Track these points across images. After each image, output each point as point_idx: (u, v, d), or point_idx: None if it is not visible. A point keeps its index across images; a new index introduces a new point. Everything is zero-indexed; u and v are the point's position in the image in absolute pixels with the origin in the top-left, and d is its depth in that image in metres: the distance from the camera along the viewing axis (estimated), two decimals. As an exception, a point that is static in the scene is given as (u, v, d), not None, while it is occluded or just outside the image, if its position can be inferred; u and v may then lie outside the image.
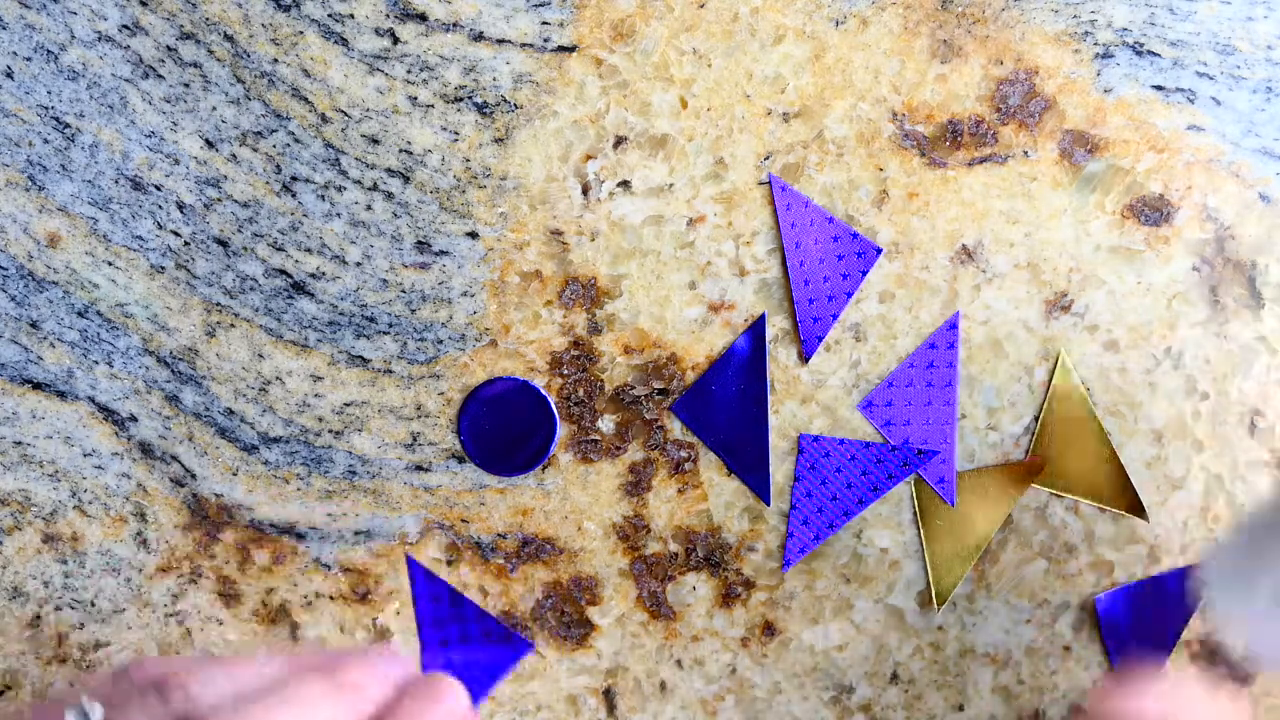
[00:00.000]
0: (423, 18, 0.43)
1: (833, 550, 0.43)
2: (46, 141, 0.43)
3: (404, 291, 0.43)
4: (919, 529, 0.43)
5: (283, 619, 0.43)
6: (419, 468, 0.43)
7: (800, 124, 0.43)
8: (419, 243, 0.43)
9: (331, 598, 0.43)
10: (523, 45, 0.43)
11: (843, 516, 0.42)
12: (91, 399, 0.43)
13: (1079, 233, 0.43)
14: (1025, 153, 0.43)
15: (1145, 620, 0.42)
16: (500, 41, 0.43)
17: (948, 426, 0.42)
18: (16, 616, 0.43)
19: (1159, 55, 0.43)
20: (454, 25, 0.43)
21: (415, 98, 0.43)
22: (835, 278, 0.42)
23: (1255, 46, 0.43)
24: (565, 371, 0.43)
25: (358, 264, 0.43)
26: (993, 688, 0.43)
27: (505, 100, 0.43)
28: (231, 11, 0.43)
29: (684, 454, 0.43)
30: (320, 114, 0.43)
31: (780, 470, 0.43)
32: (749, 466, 0.43)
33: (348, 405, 0.43)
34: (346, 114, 0.43)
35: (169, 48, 0.43)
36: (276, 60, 0.44)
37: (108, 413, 0.43)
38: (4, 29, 0.43)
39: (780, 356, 0.43)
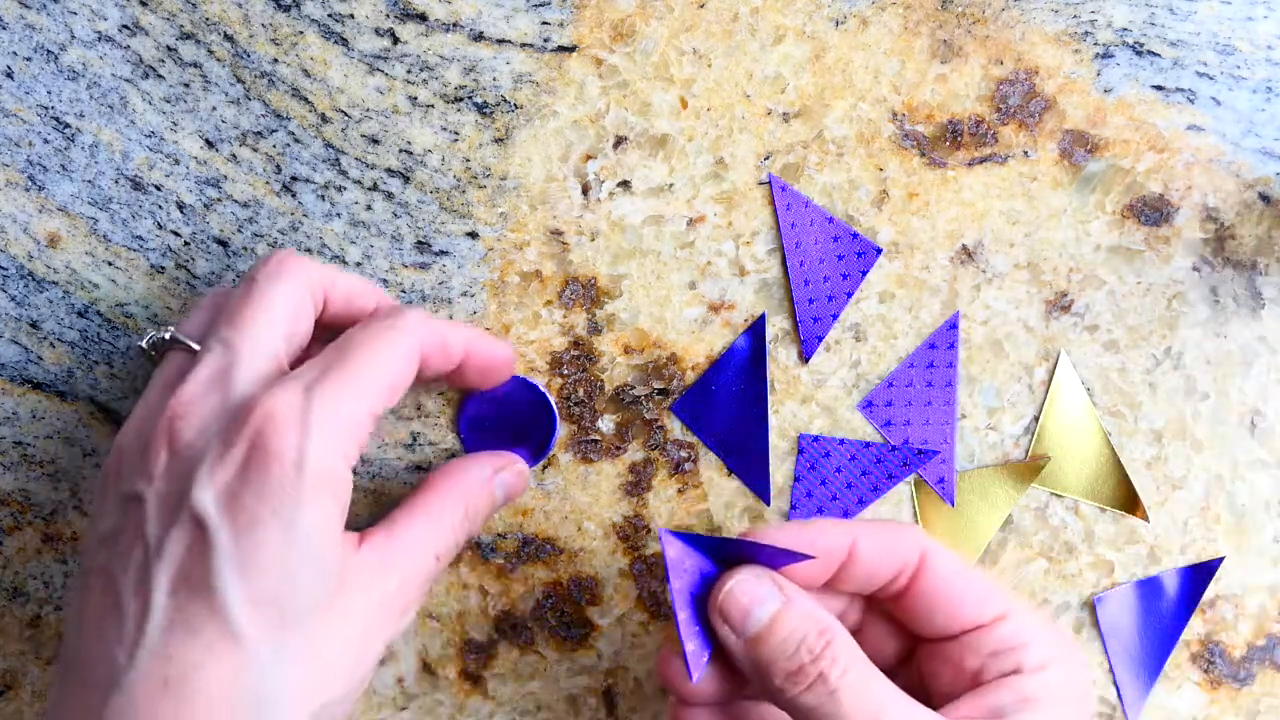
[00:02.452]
0: (423, 18, 0.43)
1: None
2: (46, 141, 0.44)
3: (404, 291, 0.43)
4: (919, 529, 0.43)
5: (283, 619, 0.43)
6: (419, 468, 0.43)
7: (800, 124, 0.43)
8: (419, 243, 0.43)
9: (331, 598, 0.43)
10: (523, 45, 0.43)
11: (842, 517, 0.42)
12: (91, 399, 0.43)
13: (1079, 233, 0.43)
14: (1025, 153, 0.43)
15: (1145, 620, 0.42)
16: (500, 41, 0.43)
17: (948, 426, 0.42)
18: (16, 616, 0.43)
19: (1159, 55, 0.43)
20: (454, 25, 0.43)
21: (415, 98, 0.43)
22: (835, 278, 0.42)
23: (1255, 46, 0.43)
24: (565, 371, 0.43)
25: (358, 264, 0.43)
26: (993, 688, 0.43)
27: (505, 100, 0.43)
28: (231, 11, 0.43)
29: (684, 454, 0.43)
30: (320, 114, 0.43)
31: (780, 470, 0.43)
32: (749, 466, 0.43)
33: (348, 405, 0.43)
34: (346, 114, 0.43)
35: (169, 48, 0.43)
36: (276, 60, 0.44)
37: (108, 413, 0.43)
38: (4, 29, 0.43)
39: (780, 356, 0.43)
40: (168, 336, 0.36)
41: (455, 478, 0.38)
